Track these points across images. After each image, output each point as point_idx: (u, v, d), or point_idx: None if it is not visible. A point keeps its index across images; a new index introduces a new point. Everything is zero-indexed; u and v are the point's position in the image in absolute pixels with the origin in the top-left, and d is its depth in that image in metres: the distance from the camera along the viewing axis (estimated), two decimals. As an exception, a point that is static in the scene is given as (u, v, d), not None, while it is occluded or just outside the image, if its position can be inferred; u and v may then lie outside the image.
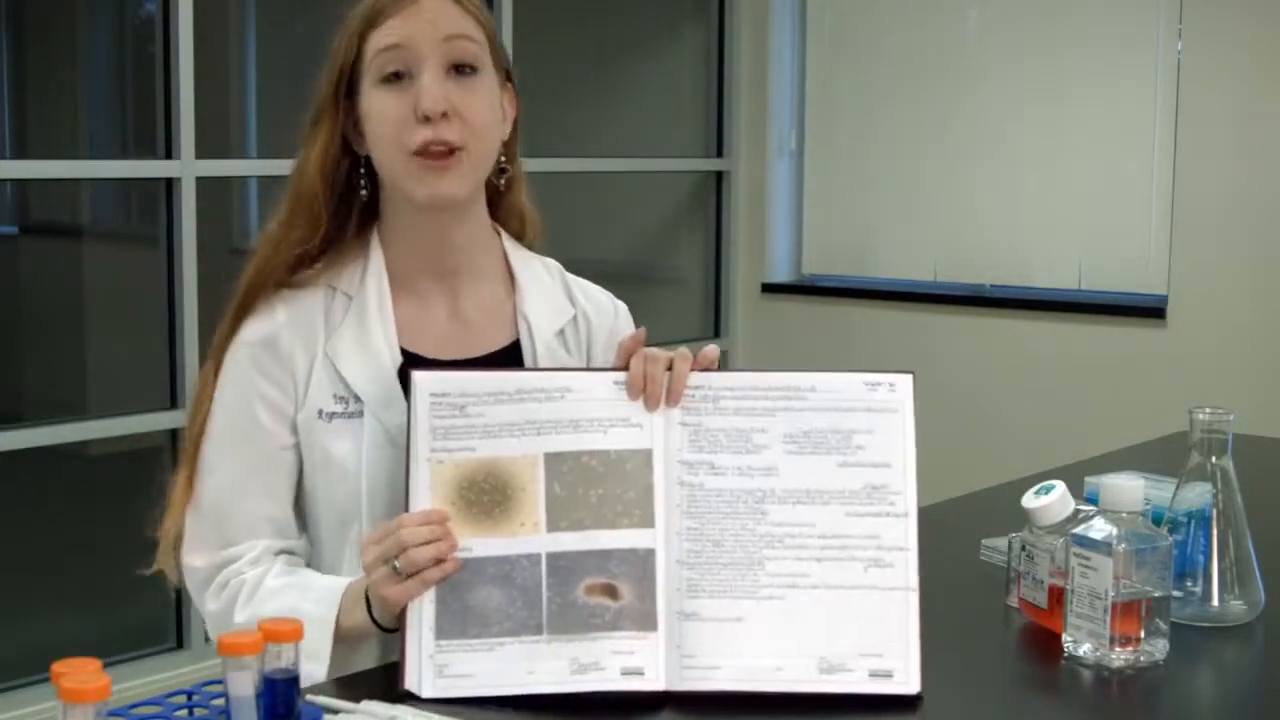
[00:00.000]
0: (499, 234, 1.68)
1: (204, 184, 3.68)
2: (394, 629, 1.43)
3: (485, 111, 1.54)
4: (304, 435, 1.55)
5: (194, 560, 1.55)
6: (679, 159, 5.14)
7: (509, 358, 1.61)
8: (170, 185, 3.65)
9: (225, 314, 1.58)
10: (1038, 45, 4.48)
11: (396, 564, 1.36)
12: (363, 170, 1.58)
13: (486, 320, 1.63)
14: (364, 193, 1.58)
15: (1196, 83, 4.16)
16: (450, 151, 1.51)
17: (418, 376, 1.42)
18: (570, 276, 1.72)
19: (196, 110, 3.63)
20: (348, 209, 1.59)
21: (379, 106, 1.52)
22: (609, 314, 1.71)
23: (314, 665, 1.43)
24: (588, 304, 1.69)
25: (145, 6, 4.37)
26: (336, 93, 1.54)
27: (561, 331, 1.66)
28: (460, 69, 1.53)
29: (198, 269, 3.64)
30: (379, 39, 1.52)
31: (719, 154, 5.10)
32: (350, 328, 1.56)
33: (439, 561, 1.36)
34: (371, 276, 1.58)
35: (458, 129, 1.51)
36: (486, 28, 1.57)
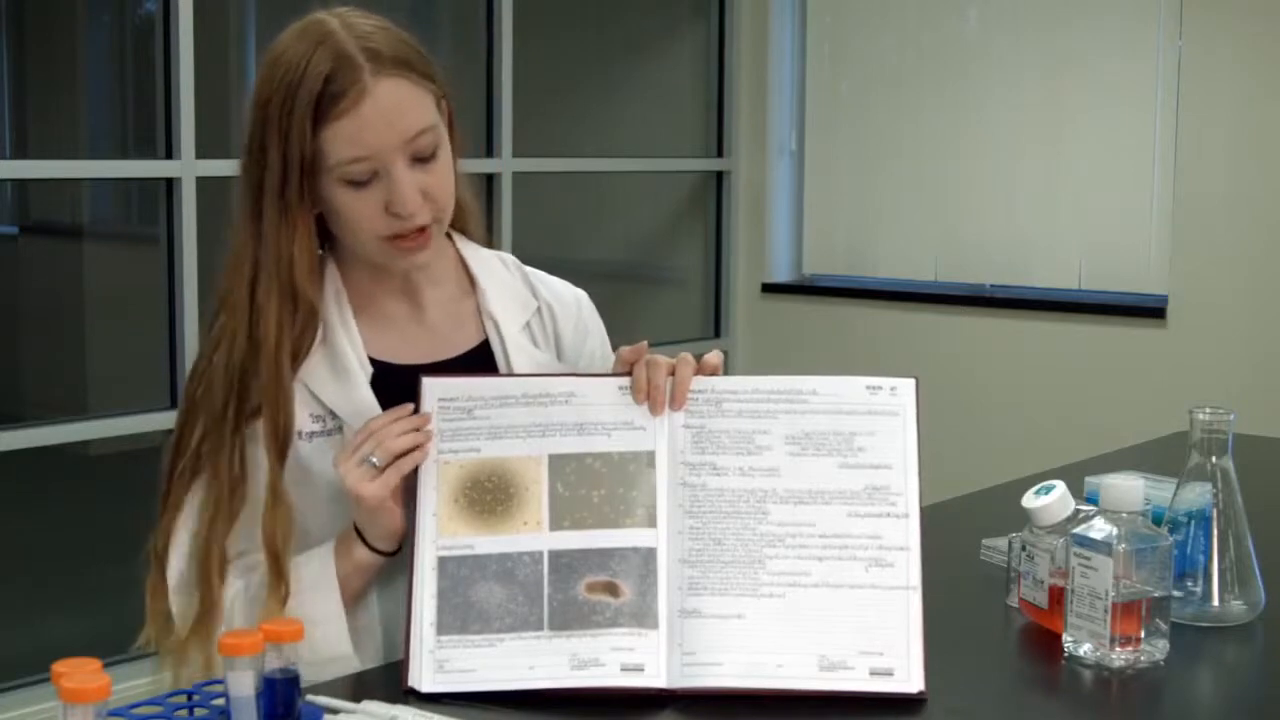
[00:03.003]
0: (450, 236, 1.66)
1: (204, 184, 3.68)
2: (393, 551, 1.45)
3: (449, 185, 1.53)
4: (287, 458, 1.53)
5: (180, 602, 1.53)
6: (679, 159, 5.14)
7: (479, 358, 1.61)
8: (170, 185, 3.65)
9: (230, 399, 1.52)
10: (1038, 45, 4.48)
11: (373, 459, 1.39)
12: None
13: (451, 322, 1.62)
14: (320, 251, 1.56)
15: (1197, 83, 4.16)
16: (421, 230, 1.50)
17: (427, 381, 1.44)
18: (528, 269, 1.71)
19: (196, 110, 3.62)
20: None
21: (349, 204, 1.48)
22: (571, 306, 1.70)
23: (329, 627, 1.44)
24: (550, 296, 1.68)
25: (145, 6, 4.38)
26: (301, 189, 1.48)
27: (527, 325, 1.65)
28: (422, 157, 1.49)
29: (198, 269, 3.64)
30: (340, 146, 1.45)
31: (719, 154, 5.10)
32: (317, 347, 1.54)
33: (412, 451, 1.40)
34: (330, 294, 1.56)
35: (428, 212, 1.49)
36: (433, 85, 1.52)
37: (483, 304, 1.63)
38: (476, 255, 1.66)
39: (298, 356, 1.51)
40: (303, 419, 1.52)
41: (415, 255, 1.52)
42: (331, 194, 1.49)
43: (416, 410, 1.44)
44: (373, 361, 1.56)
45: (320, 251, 1.57)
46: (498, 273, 1.66)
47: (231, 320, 1.51)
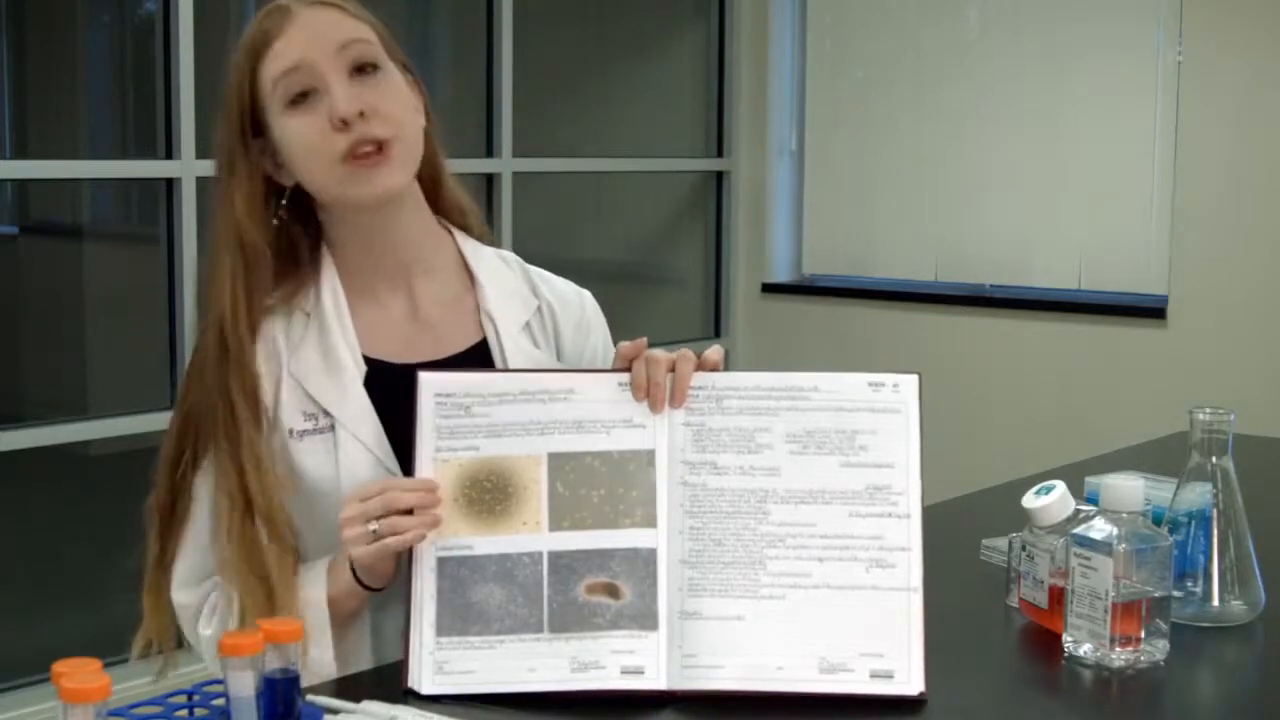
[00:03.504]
0: (450, 232, 1.65)
1: (204, 184, 3.68)
2: (379, 588, 1.45)
3: (399, 102, 1.52)
4: (278, 458, 1.52)
5: (182, 597, 1.53)
6: (679, 159, 5.14)
7: (478, 356, 1.60)
8: (170, 185, 3.65)
9: (193, 369, 1.53)
10: (1038, 45, 4.49)
11: (375, 526, 1.38)
12: (284, 201, 1.55)
13: (449, 320, 1.61)
14: (278, 221, 1.54)
15: (1196, 83, 4.17)
16: (379, 148, 1.49)
17: (424, 377, 1.43)
18: (531, 268, 1.70)
19: (196, 110, 3.63)
20: (290, 241, 1.56)
21: (295, 128, 1.49)
22: (574, 305, 1.68)
23: (317, 650, 1.43)
24: (551, 295, 1.67)
25: (145, 6, 4.38)
26: (243, 134, 1.51)
27: (527, 324, 1.63)
28: (362, 70, 1.50)
29: (198, 269, 3.64)
30: (272, 67, 1.49)
31: (719, 154, 5.10)
32: (311, 344, 1.54)
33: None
34: (326, 290, 1.56)
35: (379, 124, 1.48)
36: (374, 25, 1.55)
37: (482, 303, 1.62)
38: (477, 253, 1.65)
39: (253, 307, 1.51)
40: (295, 417, 1.52)
41: (377, 175, 1.49)
42: (280, 128, 1.50)
43: (414, 406, 1.43)
44: (368, 360, 1.55)
45: (313, 239, 1.57)
46: (499, 271, 1.65)
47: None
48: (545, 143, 4.67)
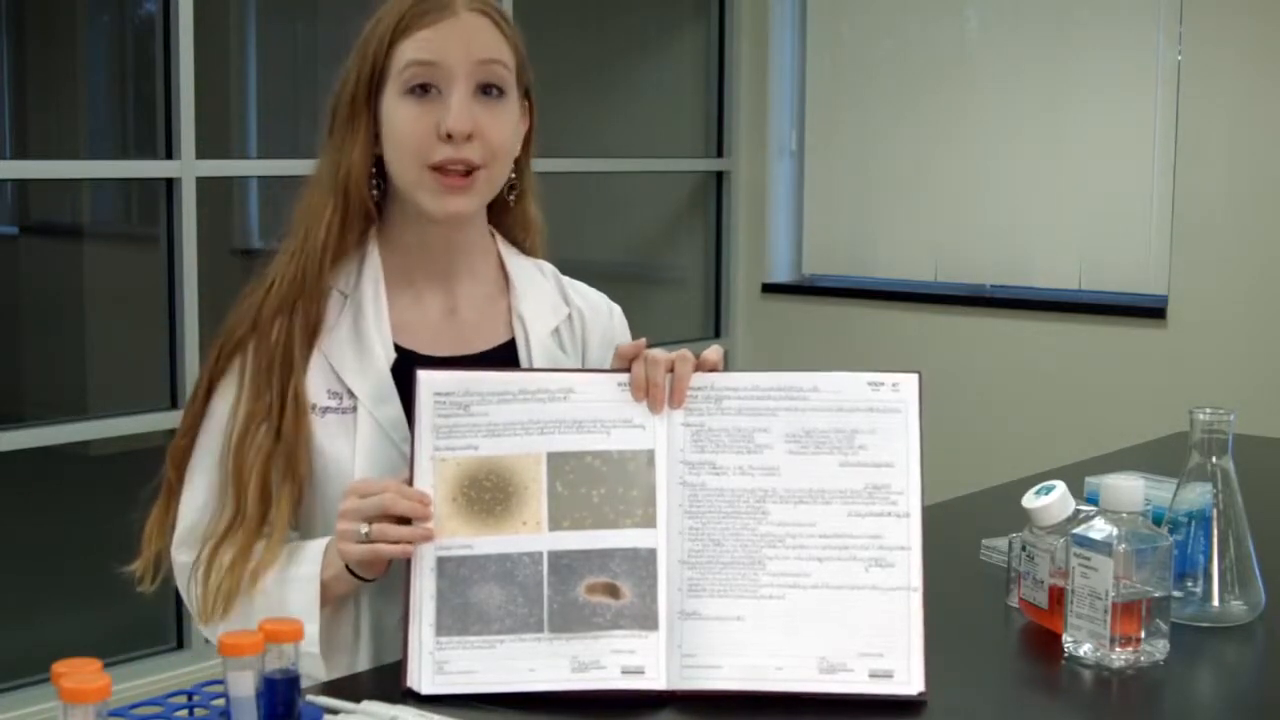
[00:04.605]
0: (494, 236, 1.68)
1: (204, 184, 3.68)
2: (370, 578, 1.45)
3: (506, 134, 1.57)
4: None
5: (183, 556, 1.55)
6: (679, 159, 5.14)
7: (504, 356, 1.62)
8: (170, 185, 3.65)
9: (253, 311, 1.55)
10: (1038, 45, 4.49)
11: (366, 529, 1.39)
12: (374, 170, 1.58)
13: (482, 319, 1.63)
14: (375, 192, 1.58)
15: (1196, 83, 4.17)
16: (468, 172, 1.52)
17: (422, 375, 1.43)
18: (565, 278, 1.73)
19: (196, 110, 3.63)
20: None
21: (403, 116, 1.53)
22: (604, 314, 1.71)
23: (306, 626, 1.43)
24: (582, 304, 1.70)
25: (145, 6, 4.38)
26: (370, 93, 1.55)
27: (556, 330, 1.66)
28: (487, 89, 1.54)
29: (198, 269, 3.64)
30: (412, 49, 1.52)
31: (719, 154, 5.10)
32: (346, 325, 1.57)
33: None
34: (368, 275, 1.59)
35: (478, 150, 1.52)
36: (516, 47, 1.59)
37: (514, 305, 1.64)
38: (517, 260, 1.68)
39: (339, 248, 1.55)
40: (320, 394, 1.54)
41: (454, 198, 1.53)
42: (391, 108, 1.53)
43: (413, 404, 1.43)
44: (398, 348, 1.57)
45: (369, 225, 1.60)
46: (534, 278, 1.68)
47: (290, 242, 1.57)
48: (545, 142, 4.66)
